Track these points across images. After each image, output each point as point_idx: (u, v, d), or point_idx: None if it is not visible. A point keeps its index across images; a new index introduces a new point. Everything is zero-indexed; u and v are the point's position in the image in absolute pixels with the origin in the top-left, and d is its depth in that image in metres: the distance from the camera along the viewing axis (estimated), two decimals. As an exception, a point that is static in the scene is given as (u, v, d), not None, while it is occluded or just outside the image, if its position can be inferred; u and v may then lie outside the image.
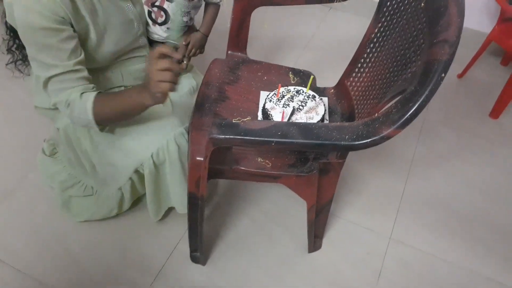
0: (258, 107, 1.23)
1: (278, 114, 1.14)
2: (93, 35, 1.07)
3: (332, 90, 1.31)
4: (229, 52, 1.35)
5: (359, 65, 1.21)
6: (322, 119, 1.16)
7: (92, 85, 1.08)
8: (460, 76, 2.12)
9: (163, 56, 0.93)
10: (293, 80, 1.33)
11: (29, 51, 1.01)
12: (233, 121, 0.86)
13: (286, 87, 1.22)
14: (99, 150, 1.24)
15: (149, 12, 1.24)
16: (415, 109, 0.77)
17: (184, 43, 1.34)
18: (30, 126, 1.70)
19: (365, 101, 1.14)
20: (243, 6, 1.25)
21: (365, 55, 1.19)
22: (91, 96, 1.04)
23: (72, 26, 1.01)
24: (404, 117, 0.78)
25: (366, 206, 1.54)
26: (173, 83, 0.93)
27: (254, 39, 2.14)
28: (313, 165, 1.10)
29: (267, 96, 1.20)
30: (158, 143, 1.17)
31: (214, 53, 1.51)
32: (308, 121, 1.13)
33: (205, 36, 1.38)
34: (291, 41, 2.26)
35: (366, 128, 0.82)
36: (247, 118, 0.90)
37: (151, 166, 1.19)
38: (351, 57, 1.25)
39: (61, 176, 1.46)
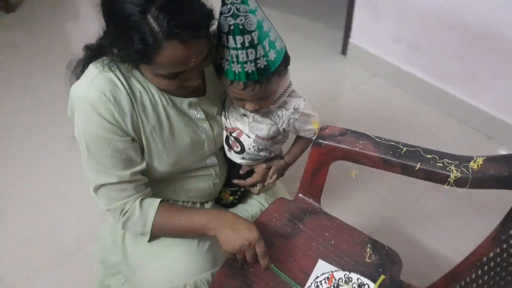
0: (306, 283, 0.93)
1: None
2: (146, 151, 0.96)
3: (418, 295, 0.92)
4: (299, 195, 1.09)
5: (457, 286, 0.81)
6: None
7: (149, 190, 0.98)
8: None
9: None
10: (369, 258, 0.99)
11: (82, 150, 0.92)
12: None
13: (347, 274, 0.90)
14: (128, 264, 1.12)
15: (227, 137, 1.09)
16: None
17: (264, 166, 1.15)
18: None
19: None
20: (321, 153, 0.98)
21: (467, 279, 0.78)
22: (153, 206, 0.95)
23: (130, 135, 0.92)
24: None
25: None
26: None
27: (336, 183, 1.72)
28: None
29: (315, 279, 0.90)
30: (175, 282, 0.99)
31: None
32: None
33: (287, 164, 1.17)
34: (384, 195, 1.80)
35: None
36: None
37: None
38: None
39: (111, 259, 1.39)
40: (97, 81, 0.86)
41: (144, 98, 0.91)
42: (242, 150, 1.08)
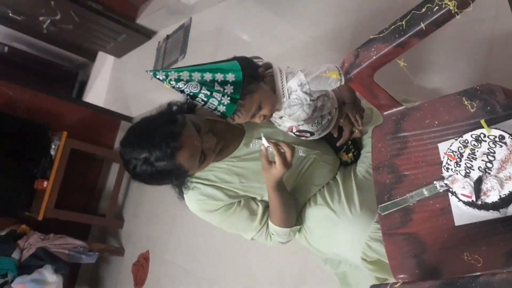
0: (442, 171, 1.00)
1: (464, 190, 0.90)
2: (255, 196, 1.22)
3: (533, 98, 0.90)
4: (384, 113, 1.16)
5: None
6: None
7: None
8: None
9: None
10: (472, 107, 1.00)
11: (228, 230, 1.26)
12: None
13: (460, 139, 0.95)
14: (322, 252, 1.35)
15: (295, 135, 1.23)
16: None
17: (342, 120, 1.25)
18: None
19: None
20: (359, 83, 1.04)
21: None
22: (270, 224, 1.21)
23: (235, 201, 1.18)
24: None
25: None
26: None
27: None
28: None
29: (443, 165, 0.96)
30: (359, 245, 1.15)
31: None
32: (506, 189, 0.83)
33: (353, 102, 1.24)
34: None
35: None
36: (398, 283, 0.76)
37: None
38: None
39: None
40: (190, 196, 1.17)
41: (217, 174, 1.16)
42: (311, 133, 1.20)
